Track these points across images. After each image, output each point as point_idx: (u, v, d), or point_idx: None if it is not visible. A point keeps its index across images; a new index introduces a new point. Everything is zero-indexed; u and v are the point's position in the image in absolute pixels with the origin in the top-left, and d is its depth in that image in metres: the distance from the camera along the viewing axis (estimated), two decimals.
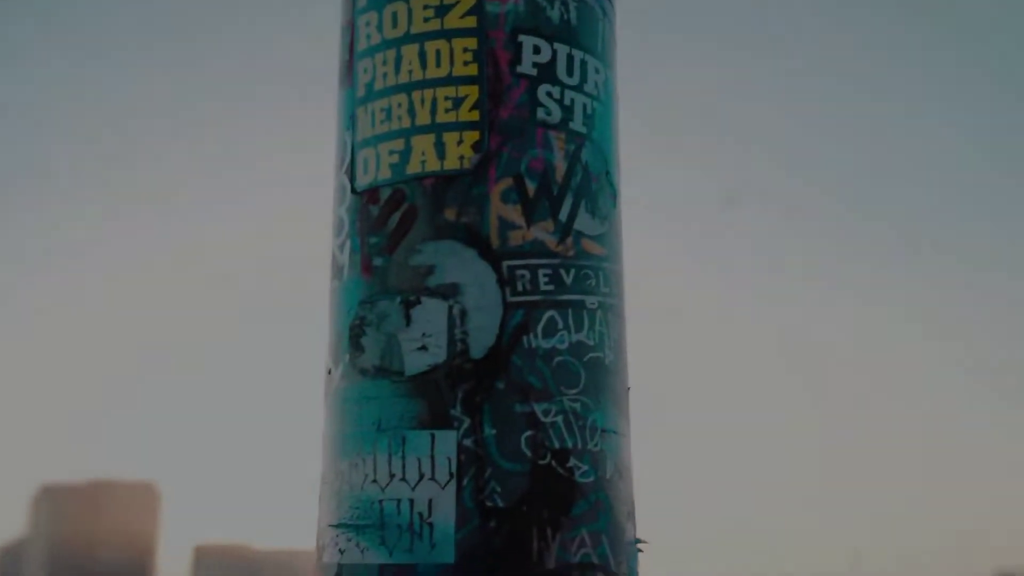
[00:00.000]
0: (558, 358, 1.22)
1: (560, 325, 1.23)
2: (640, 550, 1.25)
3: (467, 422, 1.19)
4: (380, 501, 1.20)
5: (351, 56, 1.34)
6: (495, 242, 1.23)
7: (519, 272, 1.23)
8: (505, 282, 1.22)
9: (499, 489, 1.17)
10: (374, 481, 1.21)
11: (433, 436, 1.19)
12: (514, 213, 1.24)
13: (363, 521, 1.21)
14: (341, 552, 1.22)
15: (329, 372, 1.30)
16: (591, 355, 1.24)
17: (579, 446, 1.21)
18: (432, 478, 1.18)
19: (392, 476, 1.20)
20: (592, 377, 1.24)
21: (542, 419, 1.20)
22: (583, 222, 1.27)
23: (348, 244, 1.30)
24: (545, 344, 1.22)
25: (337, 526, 1.23)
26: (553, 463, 1.19)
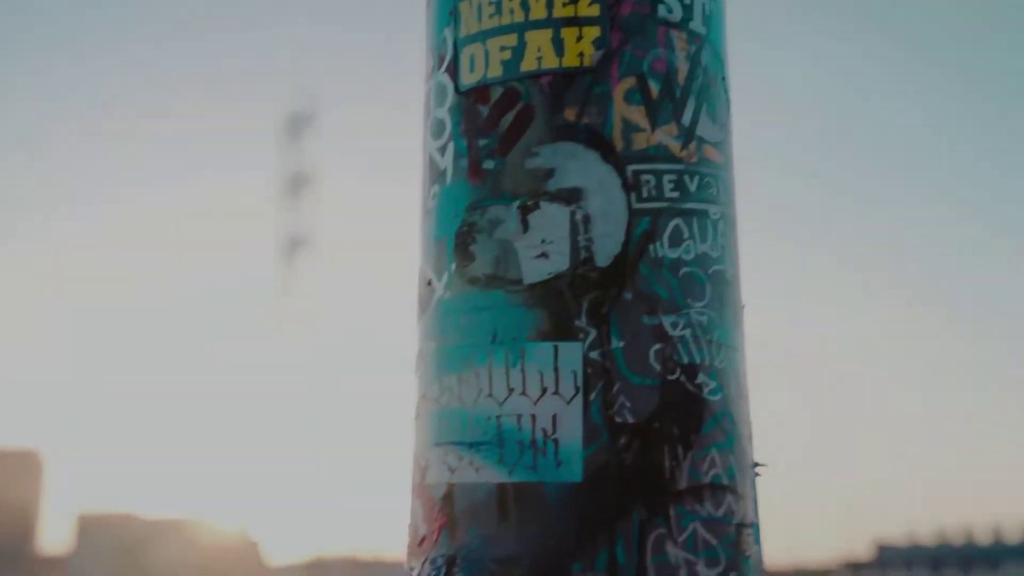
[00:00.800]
0: (684, 269, 1.15)
1: (686, 235, 1.16)
2: (758, 474, 1.19)
3: (593, 334, 1.11)
4: (497, 417, 1.12)
5: None
6: (619, 145, 1.15)
7: (644, 177, 1.16)
8: (630, 187, 1.15)
9: (628, 404, 1.11)
10: (490, 395, 1.13)
11: (556, 348, 1.12)
12: (638, 115, 1.16)
13: (477, 438, 1.13)
14: (451, 471, 1.14)
15: (429, 283, 1.21)
16: (715, 268, 1.18)
17: (706, 362, 1.15)
18: (556, 392, 1.11)
19: (511, 390, 1.12)
20: (716, 290, 1.17)
21: (670, 332, 1.13)
22: (704, 128, 1.20)
23: (451, 147, 1.21)
24: (671, 254, 1.15)
25: (447, 443, 1.15)
26: (682, 379, 1.13)
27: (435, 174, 1.23)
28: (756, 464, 1.19)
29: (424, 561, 1.15)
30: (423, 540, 1.16)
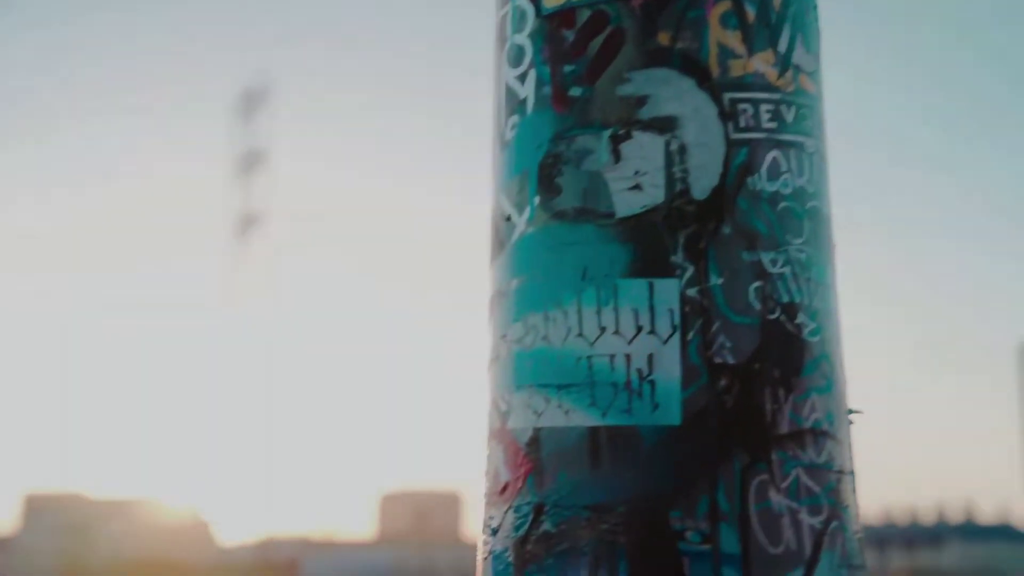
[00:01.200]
0: (783, 203, 1.10)
1: (783, 168, 1.10)
2: (851, 421, 1.14)
3: (691, 270, 1.06)
4: (588, 357, 1.06)
5: None
6: (715, 71, 1.09)
7: (741, 106, 1.10)
8: (727, 116, 1.09)
9: (728, 344, 1.05)
10: (580, 335, 1.07)
11: (651, 285, 1.06)
12: (734, 40, 1.10)
13: (566, 380, 1.07)
14: (537, 414, 1.08)
15: (508, 219, 1.14)
16: (811, 203, 1.12)
17: (805, 301, 1.09)
18: (651, 331, 1.05)
19: (603, 329, 1.06)
20: (813, 227, 1.12)
21: (769, 269, 1.07)
22: (800, 56, 1.14)
23: (532, 74, 1.14)
24: (770, 187, 1.09)
25: (532, 386, 1.08)
26: (782, 318, 1.07)
27: (514, 104, 1.16)
28: (851, 411, 1.13)
29: (507, 509, 1.09)
30: (505, 487, 1.10)
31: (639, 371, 1.04)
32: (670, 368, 1.04)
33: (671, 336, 1.05)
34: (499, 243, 1.16)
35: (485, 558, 1.11)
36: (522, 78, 1.15)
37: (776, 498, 1.03)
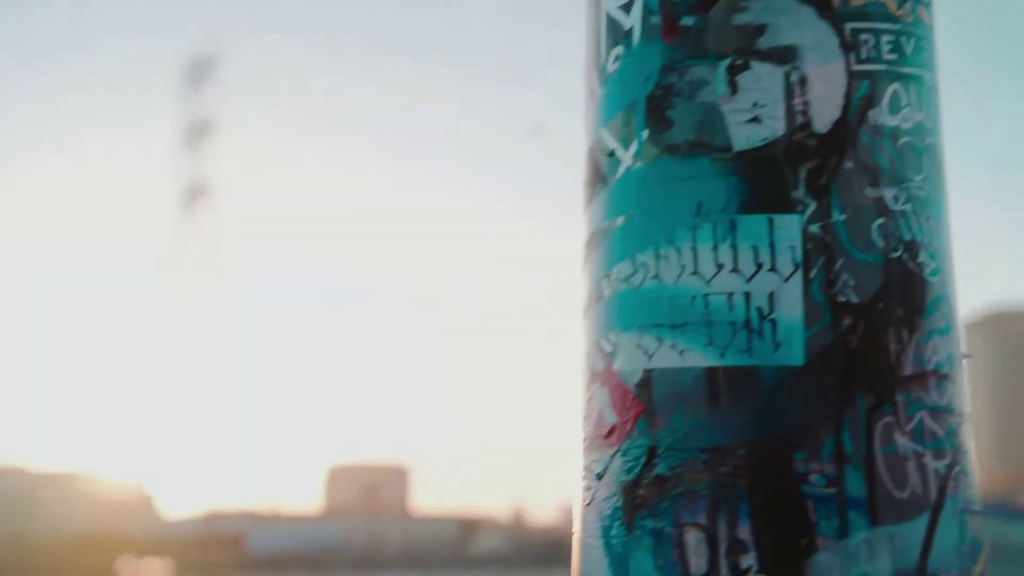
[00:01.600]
0: (903, 139, 1.06)
1: (904, 102, 1.06)
2: (964, 366, 1.10)
3: (813, 205, 1.01)
4: (704, 296, 1.02)
5: None
6: (835, 0, 1.05)
7: (862, 36, 1.05)
8: (848, 47, 1.05)
9: (852, 282, 1.01)
10: (694, 273, 1.02)
11: (771, 221, 1.01)
12: None
13: (681, 319, 1.02)
14: (648, 355, 1.03)
15: (612, 153, 1.10)
16: (929, 139, 1.09)
17: (925, 240, 1.05)
18: (772, 269, 1.01)
19: (720, 267, 1.02)
20: (931, 164, 1.08)
21: (891, 206, 1.04)
22: None
23: (639, 4, 1.09)
24: (891, 122, 1.05)
25: (642, 325, 1.04)
26: (904, 256, 1.04)
27: (617, 35, 1.11)
28: (965, 356, 1.10)
29: (614, 453, 1.04)
30: (612, 431, 1.05)
31: (759, 309, 1.00)
32: (792, 306, 1.00)
33: (793, 274, 1.01)
34: (599, 179, 1.11)
35: (588, 503, 1.07)
36: (627, 8, 1.10)
37: (902, 441, 1.00)
